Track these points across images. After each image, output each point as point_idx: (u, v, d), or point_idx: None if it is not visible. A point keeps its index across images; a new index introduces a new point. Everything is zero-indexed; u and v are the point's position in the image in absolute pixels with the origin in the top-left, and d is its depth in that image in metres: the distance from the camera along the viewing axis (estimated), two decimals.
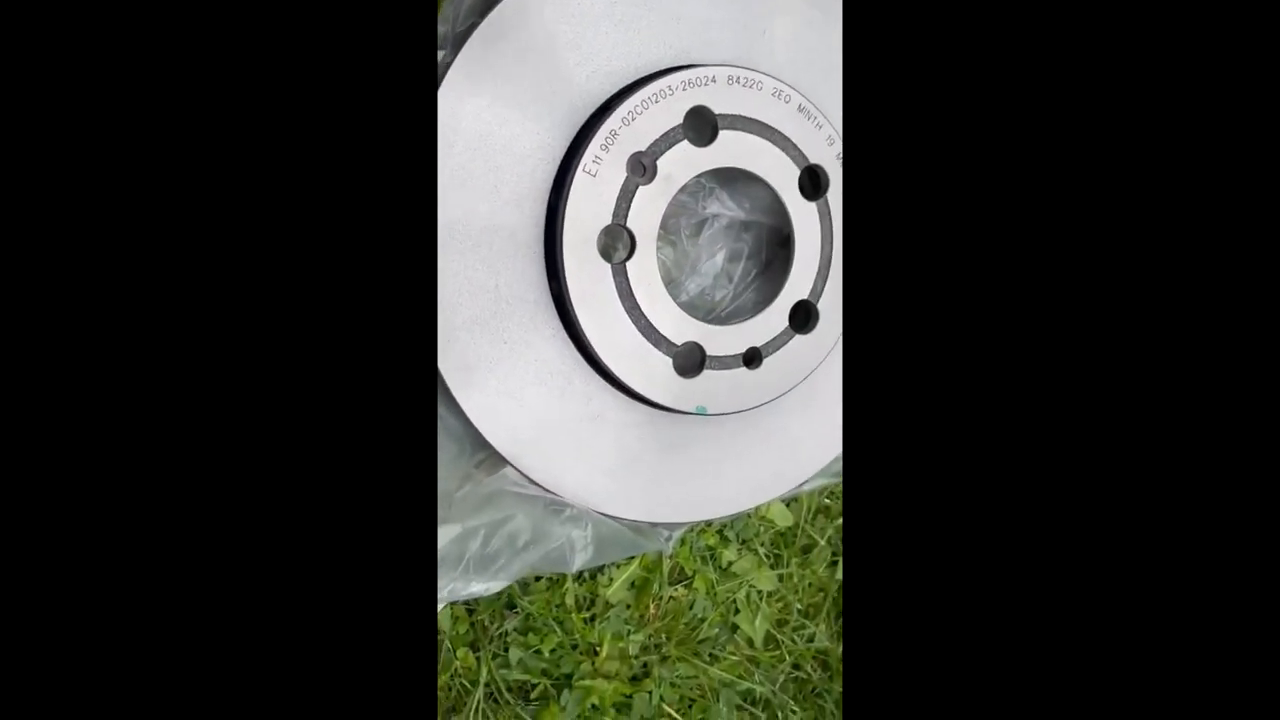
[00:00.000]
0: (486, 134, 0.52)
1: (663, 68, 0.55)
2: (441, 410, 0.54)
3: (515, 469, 0.57)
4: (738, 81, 0.55)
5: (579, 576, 0.63)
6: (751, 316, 0.60)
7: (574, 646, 0.64)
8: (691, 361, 0.59)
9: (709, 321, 0.59)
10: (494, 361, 0.55)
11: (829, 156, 0.59)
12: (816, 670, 0.74)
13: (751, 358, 0.60)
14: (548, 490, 0.58)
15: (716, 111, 0.55)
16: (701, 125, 0.55)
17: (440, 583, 0.48)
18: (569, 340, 0.57)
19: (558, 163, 0.54)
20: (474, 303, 0.54)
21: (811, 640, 0.74)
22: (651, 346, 0.57)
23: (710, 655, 0.70)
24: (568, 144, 0.53)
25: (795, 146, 0.58)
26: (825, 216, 0.60)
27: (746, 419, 0.62)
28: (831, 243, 0.61)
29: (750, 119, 0.56)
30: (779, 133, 0.57)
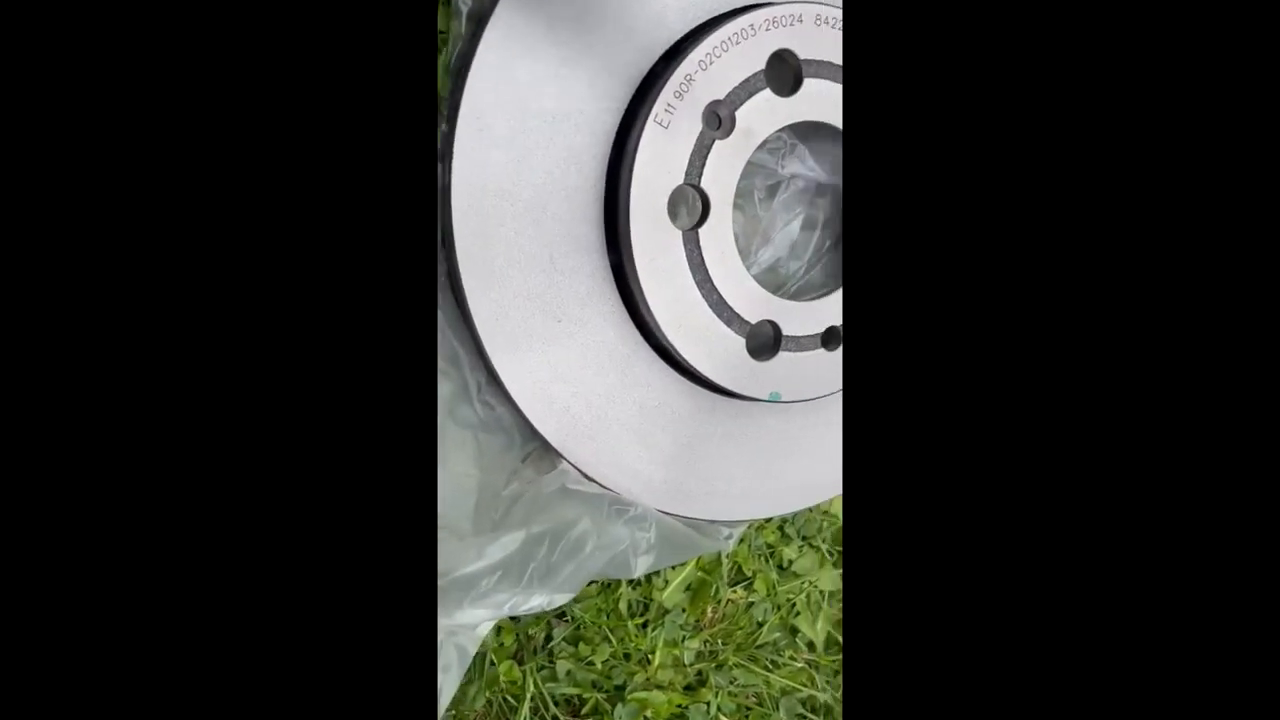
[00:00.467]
0: (542, 78, 0.45)
1: (740, 4, 0.48)
2: (489, 398, 0.48)
3: (569, 463, 0.50)
4: (826, 22, 0.48)
5: (634, 581, 0.58)
6: (829, 291, 0.54)
7: (626, 656, 0.58)
8: (766, 342, 0.52)
9: (782, 297, 0.53)
10: (546, 341, 0.48)
11: None
12: None
13: (830, 338, 0.54)
14: (603, 486, 0.51)
15: (802, 57, 0.48)
16: (784, 72, 0.48)
17: (499, 597, 0.42)
18: (629, 318, 0.50)
19: (621, 114, 0.47)
20: (524, 276, 0.47)
21: None
22: (723, 325, 0.50)
23: (770, 661, 0.64)
24: (633, 91, 0.46)
25: None
26: None
27: (822, 405, 0.56)
28: None
29: (839, 66, 0.49)
30: None
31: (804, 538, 0.65)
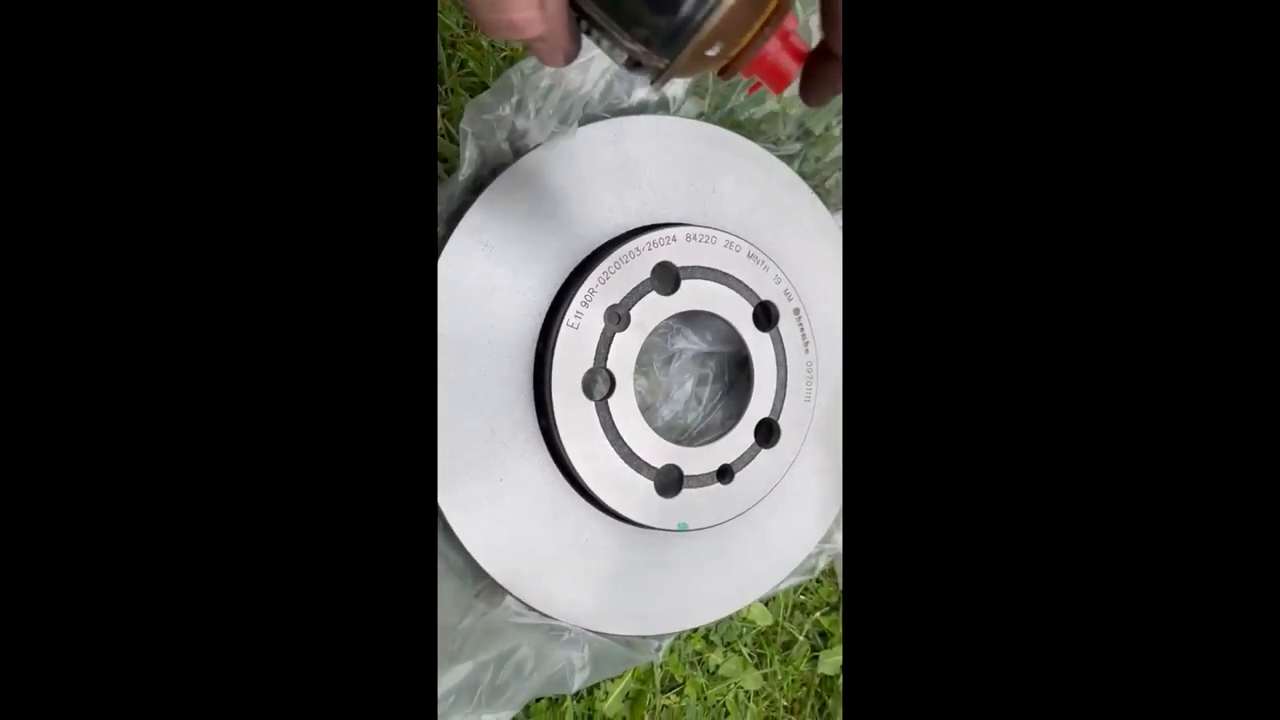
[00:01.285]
0: (489, 290, 0.59)
1: (630, 229, 0.63)
2: (443, 547, 0.58)
3: (514, 597, 0.60)
4: (695, 238, 0.64)
5: (577, 694, 0.66)
6: (721, 435, 0.67)
7: None
8: (670, 482, 0.64)
9: (683, 442, 0.66)
10: (490, 499, 0.60)
11: (777, 293, 0.68)
12: None
13: (724, 473, 0.66)
14: (545, 615, 0.62)
15: (679, 265, 0.63)
16: (667, 277, 0.63)
17: (454, 718, 0.51)
18: (558, 471, 0.62)
19: (543, 316, 0.61)
20: (471, 447, 0.59)
21: None
22: (634, 472, 0.62)
23: None
24: (551, 300, 0.61)
25: (748, 287, 0.66)
26: (778, 343, 0.68)
27: (724, 529, 0.67)
28: (786, 366, 0.68)
29: (708, 268, 0.64)
30: (733, 277, 0.65)
31: (727, 643, 0.75)
